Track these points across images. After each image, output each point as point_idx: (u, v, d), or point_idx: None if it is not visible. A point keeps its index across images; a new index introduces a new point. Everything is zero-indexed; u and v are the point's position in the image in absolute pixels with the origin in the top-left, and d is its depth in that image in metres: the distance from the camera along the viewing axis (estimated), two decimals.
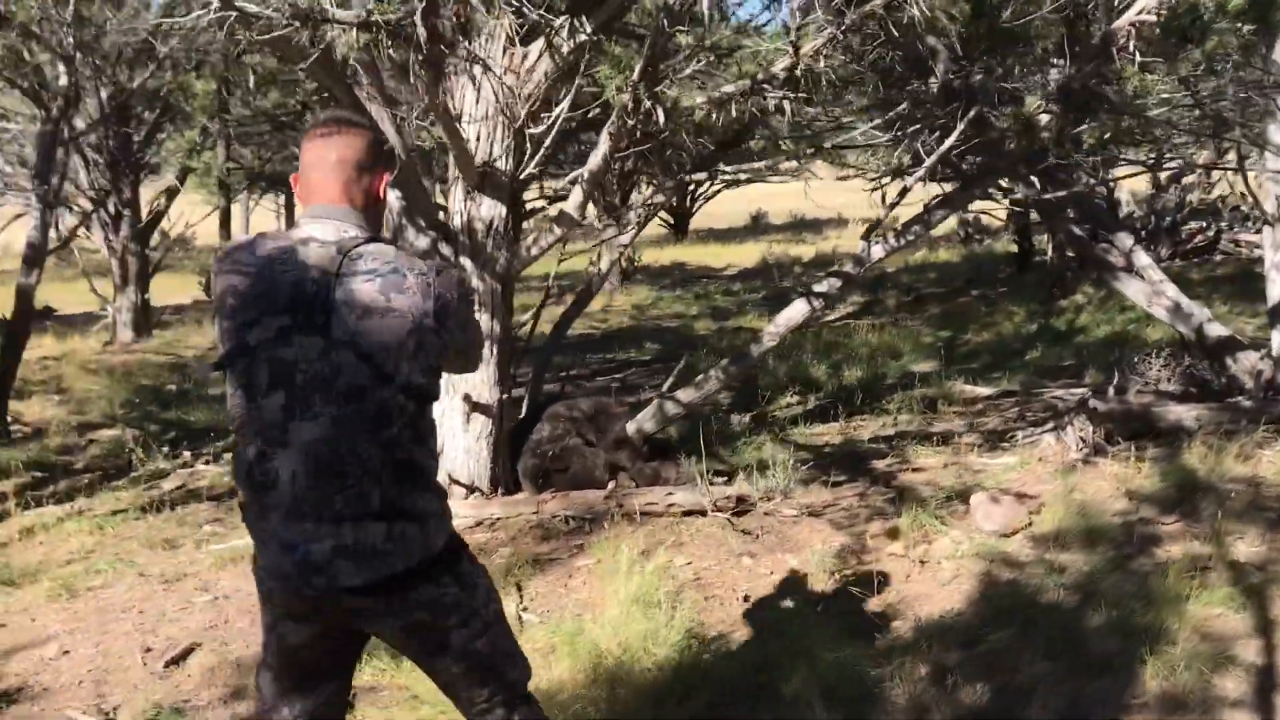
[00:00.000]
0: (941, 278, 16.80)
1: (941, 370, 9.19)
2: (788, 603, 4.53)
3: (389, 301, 2.17)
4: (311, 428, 2.15)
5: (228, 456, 7.41)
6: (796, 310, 5.78)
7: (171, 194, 14.77)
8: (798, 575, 4.79)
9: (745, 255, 22.38)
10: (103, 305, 14.18)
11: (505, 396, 5.53)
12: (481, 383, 5.41)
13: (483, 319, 5.24)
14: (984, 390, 8.69)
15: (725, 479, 5.85)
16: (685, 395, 5.80)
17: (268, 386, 2.16)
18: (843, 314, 13.83)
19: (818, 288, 5.78)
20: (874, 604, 4.49)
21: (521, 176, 5.29)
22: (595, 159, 4.89)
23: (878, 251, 5.64)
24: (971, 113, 4.96)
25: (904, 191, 5.63)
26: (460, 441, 5.50)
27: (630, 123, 4.45)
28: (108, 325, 14.13)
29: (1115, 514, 5.34)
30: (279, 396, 2.16)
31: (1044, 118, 5.00)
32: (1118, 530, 5.08)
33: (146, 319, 14.37)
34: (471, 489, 5.53)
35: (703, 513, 5.38)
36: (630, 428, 5.78)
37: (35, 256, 8.82)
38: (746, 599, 4.56)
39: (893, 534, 5.24)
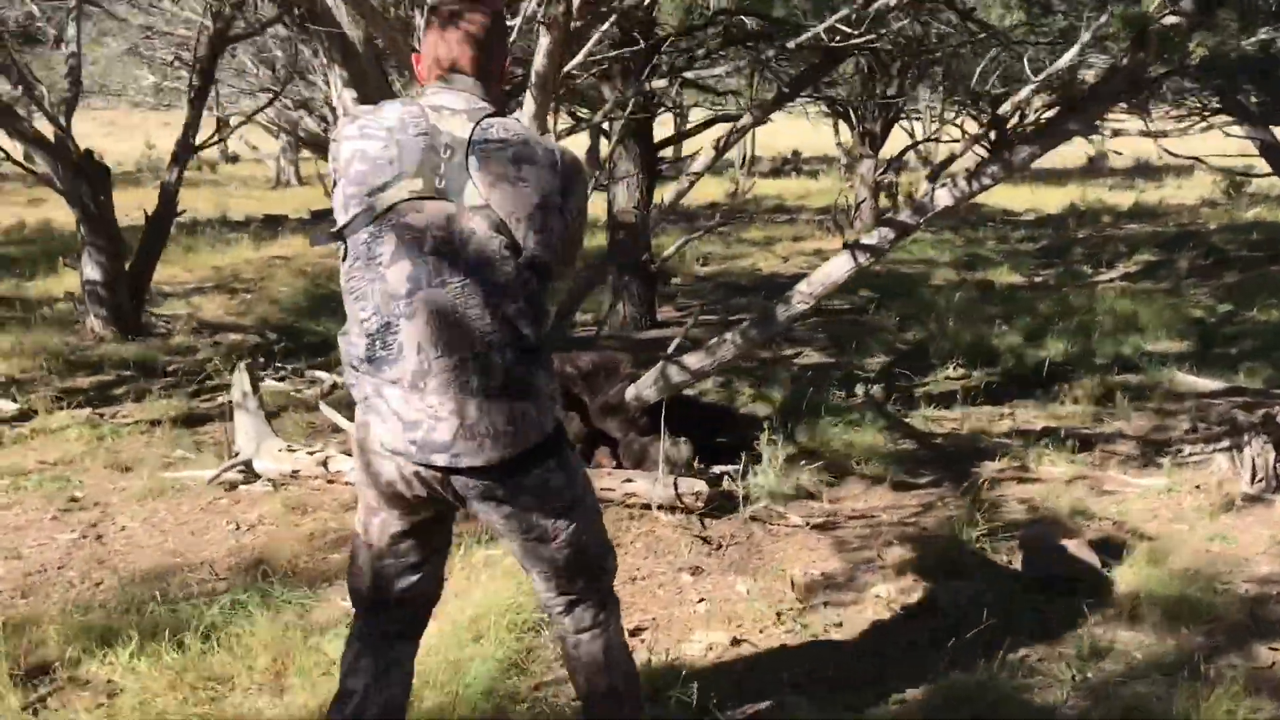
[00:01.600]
0: (1266, 239, 14.03)
1: (1191, 353, 7.60)
2: (693, 644, 3.50)
3: (520, 172, 2.15)
4: (440, 297, 2.12)
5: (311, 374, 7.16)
6: (837, 267, 4.60)
7: None
8: (731, 608, 3.73)
9: (1055, 199, 19.78)
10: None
11: None
12: None
13: None
14: (1208, 384, 6.96)
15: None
16: (694, 360, 4.77)
17: (393, 254, 2.13)
18: (1123, 273, 11.99)
19: (866, 239, 4.56)
20: (800, 665, 3.39)
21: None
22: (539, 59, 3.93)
23: (944, 198, 4.33)
24: None
25: (1023, 118, 4.29)
26: None
27: None
28: None
29: (1252, 581, 3.96)
30: (405, 265, 2.13)
31: None
32: (1235, 609, 3.69)
33: None
34: None
35: (670, 509, 4.38)
36: (629, 393, 4.82)
37: (182, 155, 8.83)
38: (635, 633, 3.57)
39: (903, 568, 4.05)
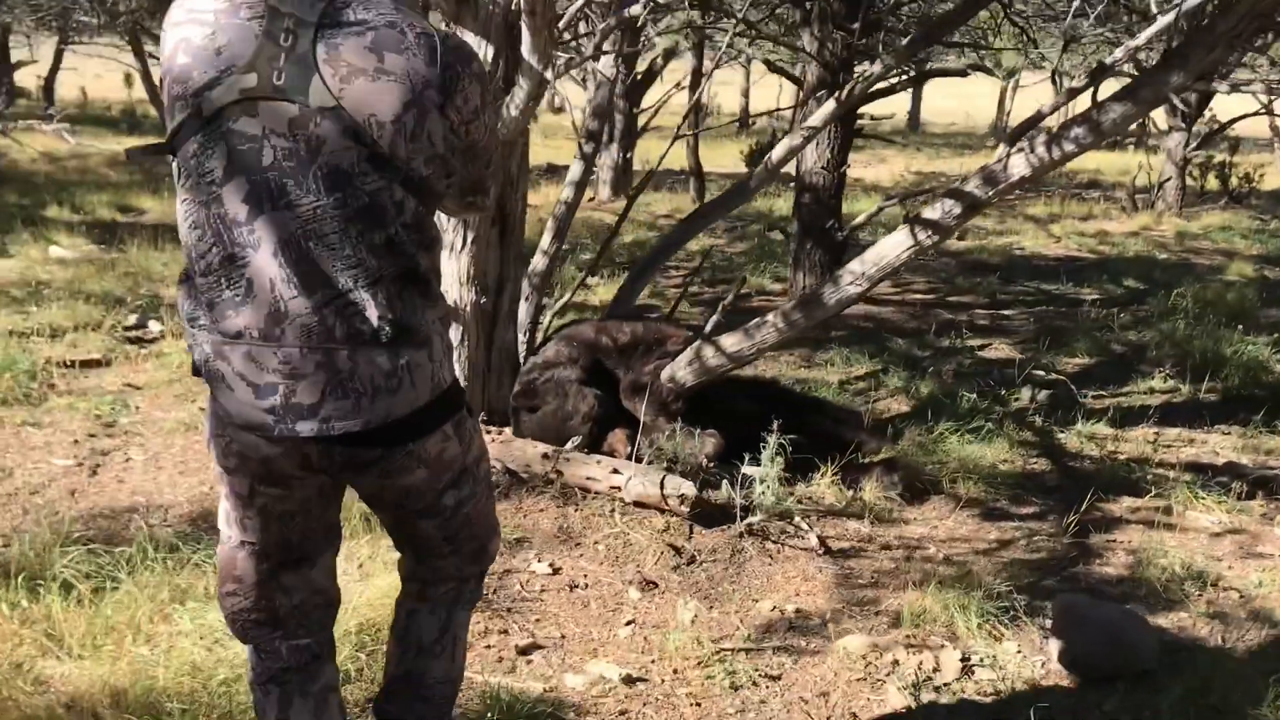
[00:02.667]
0: None
1: None
2: (580, 675, 2.95)
3: (381, 62, 1.72)
4: (285, 222, 1.72)
5: None
6: (892, 245, 3.79)
7: (667, 55, 14.43)
8: (658, 638, 3.14)
9: None
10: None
11: (483, 300, 4.29)
12: (452, 276, 4.23)
13: None
14: None
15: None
16: (731, 342, 4.10)
17: (227, 171, 1.72)
18: None
19: (928, 213, 3.71)
20: None
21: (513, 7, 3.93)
22: None
23: (1018, 165, 3.43)
24: None
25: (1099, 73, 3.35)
26: None
27: None
28: (594, 182, 14.34)
29: None
30: (241, 183, 1.71)
31: None
32: None
33: (626, 179, 14.34)
34: None
35: (659, 509, 3.79)
36: (664, 373, 4.24)
37: None
38: (528, 651, 3.04)
39: (901, 620, 3.29)
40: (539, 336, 4.90)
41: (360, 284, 1.75)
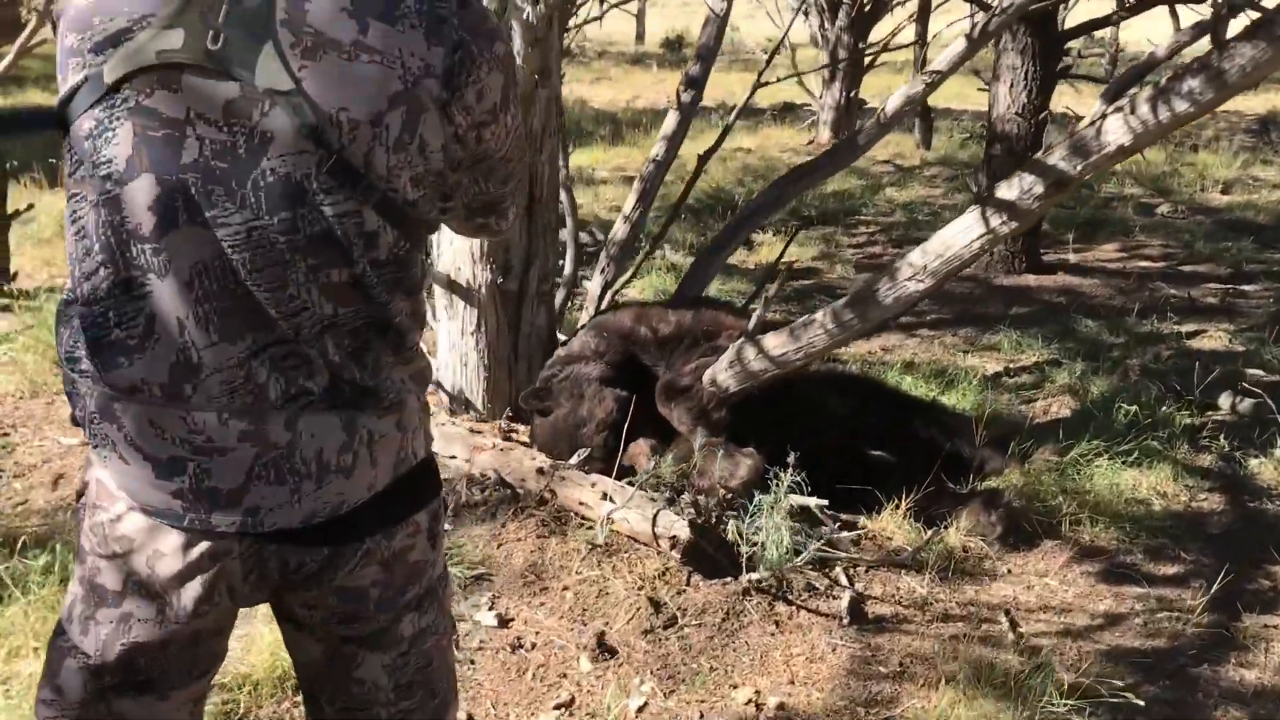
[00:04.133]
0: None
1: None
2: None
3: (364, 33, 1.23)
4: (206, 243, 1.24)
5: None
6: (959, 232, 2.89)
7: None
8: None
9: None
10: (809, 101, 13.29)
11: (501, 280, 3.68)
12: (463, 252, 3.66)
13: None
14: None
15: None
16: (774, 343, 3.32)
17: (130, 161, 1.23)
18: None
19: (1003, 192, 2.78)
20: None
21: None
22: None
23: (1116, 130, 2.46)
24: None
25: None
26: (444, 328, 3.85)
27: None
28: (814, 122, 13.38)
29: None
30: (149, 183, 1.22)
31: None
32: None
33: (849, 119, 13.28)
34: (460, 402, 3.88)
35: (656, 548, 3.10)
36: (706, 375, 3.51)
37: None
38: None
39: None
40: None
41: (306, 333, 1.27)
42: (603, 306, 4.32)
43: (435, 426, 3.62)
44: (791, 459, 3.10)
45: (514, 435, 3.77)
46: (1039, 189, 2.67)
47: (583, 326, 4.01)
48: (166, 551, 1.32)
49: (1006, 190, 2.76)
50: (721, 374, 3.46)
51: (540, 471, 3.34)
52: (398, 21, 1.23)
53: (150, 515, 1.32)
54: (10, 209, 5.52)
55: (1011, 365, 5.23)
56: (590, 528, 3.19)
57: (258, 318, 1.26)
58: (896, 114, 4.09)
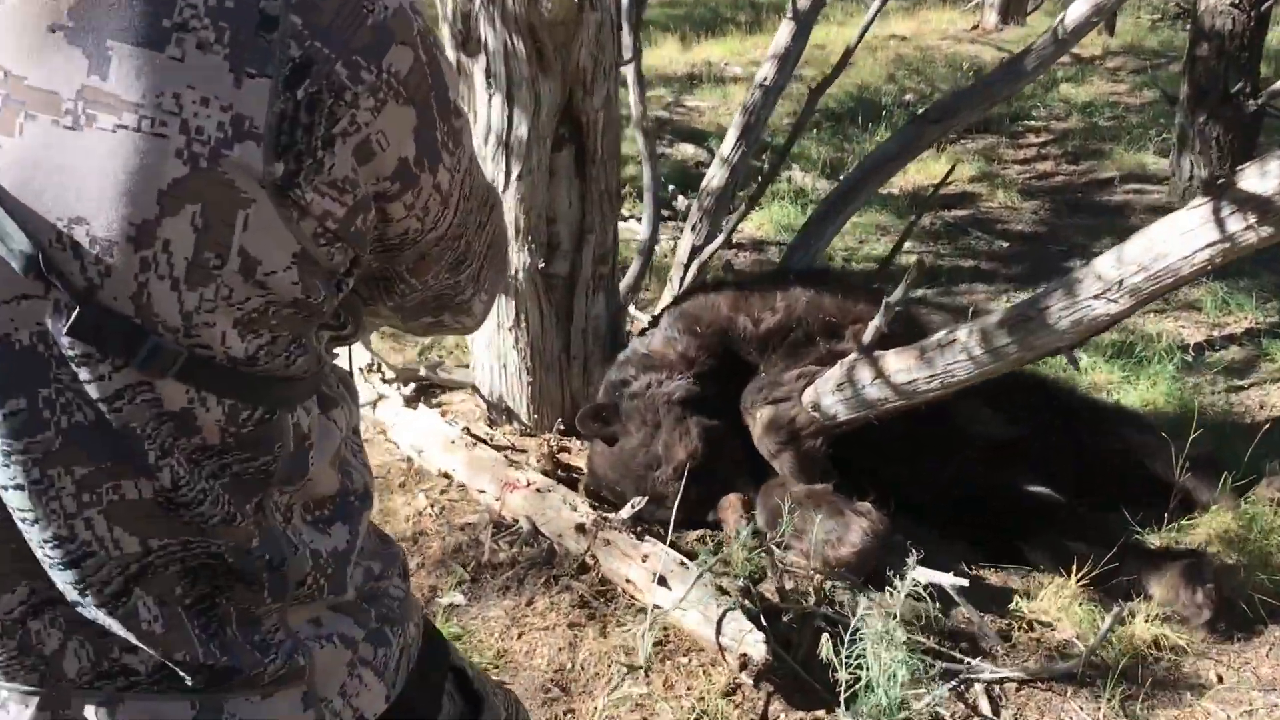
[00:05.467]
0: None
1: None
2: None
3: (99, 70, 0.68)
4: None
5: None
6: (1176, 235, 1.92)
7: None
8: None
9: None
10: None
11: (544, 263, 2.84)
12: None
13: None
14: None
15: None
16: (898, 365, 2.40)
17: None
18: None
19: (1249, 183, 1.79)
20: None
21: None
22: None
23: None
24: None
25: None
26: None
27: None
28: (979, 3, 11.97)
29: None
30: None
31: None
32: None
33: (1020, 2, 11.80)
34: (501, 410, 3.10)
35: (722, 659, 2.28)
36: (808, 395, 2.62)
37: None
38: None
39: None
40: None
41: (97, 591, 0.79)
42: (690, 277, 3.46)
43: (464, 448, 2.86)
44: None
45: (565, 455, 2.98)
46: None
47: (665, 310, 3.14)
48: None
49: (1257, 178, 1.76)
50: (827, 397, 2.57)
51: (581, 529, 2.54)
52: (170, 42, 0.67)
53: None
54: None
55: (1213, 332, 4.15)
56: (640, 610, 2.39)
57: (25, 560, 0.79)
58: (1079, 28, 3.05)
